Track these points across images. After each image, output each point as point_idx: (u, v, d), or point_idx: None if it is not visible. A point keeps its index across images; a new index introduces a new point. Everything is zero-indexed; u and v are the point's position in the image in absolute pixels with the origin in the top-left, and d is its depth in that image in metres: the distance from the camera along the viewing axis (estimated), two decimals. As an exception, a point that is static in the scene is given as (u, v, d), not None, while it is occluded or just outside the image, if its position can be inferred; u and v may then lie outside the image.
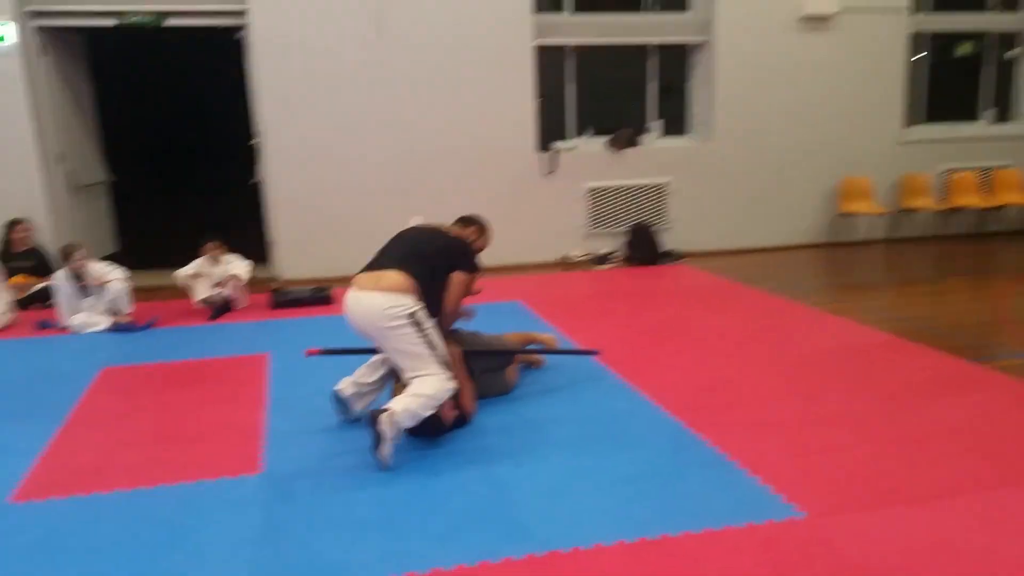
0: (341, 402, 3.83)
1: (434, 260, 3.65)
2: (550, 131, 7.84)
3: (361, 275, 3.61)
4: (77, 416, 4.09)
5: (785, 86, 8.07)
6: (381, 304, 3.43)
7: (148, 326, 5.77)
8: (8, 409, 4.24)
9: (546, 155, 7.71)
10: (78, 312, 5.69)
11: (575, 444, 3.60)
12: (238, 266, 6.14)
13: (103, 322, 5.67)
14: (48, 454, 3.63)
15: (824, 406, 3.98)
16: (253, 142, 7.25)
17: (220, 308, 6.06)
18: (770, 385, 4.31)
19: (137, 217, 8.90)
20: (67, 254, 5.62)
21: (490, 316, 5.71)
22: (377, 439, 3.31)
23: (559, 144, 7.85)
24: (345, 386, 3.83)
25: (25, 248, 6.57)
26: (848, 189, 8.42)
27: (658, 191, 8.04)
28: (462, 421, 3.79)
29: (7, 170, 6.61)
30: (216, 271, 6.13)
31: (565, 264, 7.88)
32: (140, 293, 6.60)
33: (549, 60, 7.76)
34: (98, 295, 5.70)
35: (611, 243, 7.95)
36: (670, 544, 2.74)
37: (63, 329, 5.67)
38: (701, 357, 4.81)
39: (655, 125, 8.20)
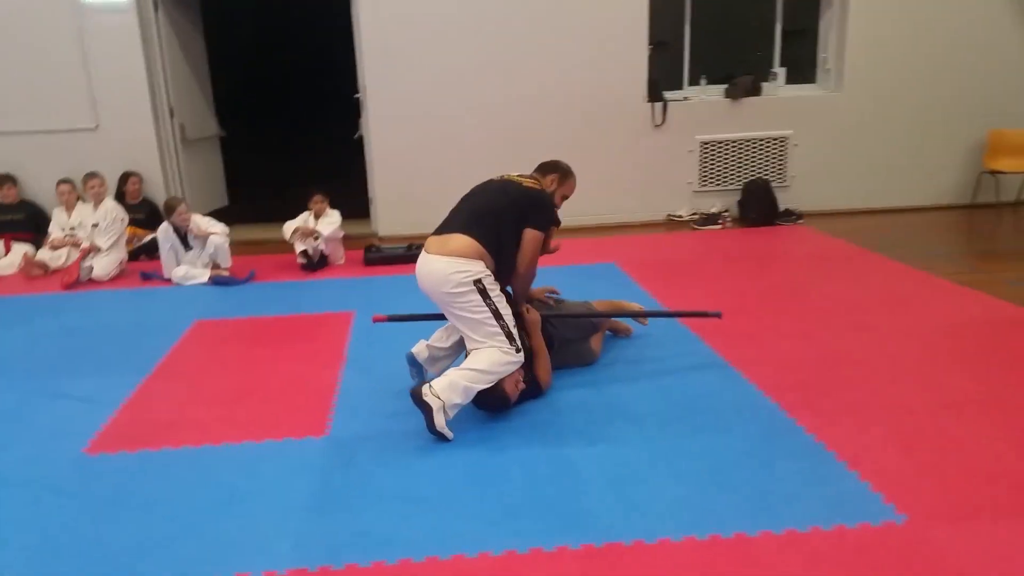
0: (416, 365, 3.70)
1: (505, 216, 3.38)
2: (662, 80, 7.36)
3: (432, 238, 3.43)
4: (162, 368, 4.16)
5: (926, 27, 7.23)
6: (445, 270, 3.24)
7: (246, 280, 5.85)
8: (100, 359, 4.36)
9: (656, 106, 7.27)
10: (180, 264, 5.83)
11: (655, 424, 3.33)
12: (325, 223, 6.11)
13: (203, 275, 5.79)
14: (127, 406, 3.69)
15: (945, 392, 3.52)
16: (356, 96, 7.19)
17: (316, 263, 6.08)
18: (886, 366, 3.86)
19: (247, 171, 9.11)
20: (170, 208, 5.74)
21: (580, 278, 5.50)
22: (426, 414, 3.16)
23: (671, 94, 7.37)
24: (420, 349, 3.69)
25: (136, 200, 6.79)
26: (996, 143, 7.50)
27: (778, 145, 7.44)
28: (536, 391, 3.59)
29: (122, 123, 6.83)
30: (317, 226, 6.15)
31: (671, 224, 7.46)
32: (248, 247, 6.75)
33: (664, 1, 7.25)
34: (200, 248, 5.81)
35: (722, 201, 7.46)
36: (744, 545, 2.45)
37: (166, 281, 5.83)
38: (809, 331, 4.37)
39: (778, 72, 7.56)
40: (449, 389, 3.19)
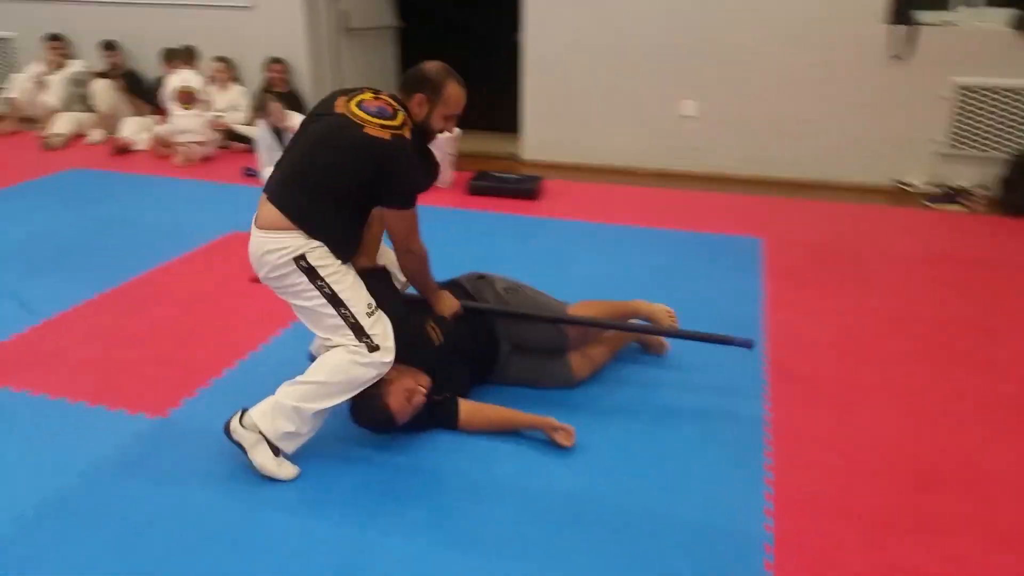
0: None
1: (329, 180, 2.26)
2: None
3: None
4: (133, 285, 3.72)
5: None
6: (257, 250, 2.29)
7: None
8: (88, 258, 4.03)
9: (900, 29, 5.28)
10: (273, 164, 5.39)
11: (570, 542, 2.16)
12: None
13: (290, 179, 5.30)
14: (42, 325, 3.29)
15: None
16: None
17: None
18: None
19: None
20: (263, 106, 5.29)
21: (664, 253, 4.22)
22: (243, 450, 2.32)
23: (927, 14, 5.30)
24: (315, 345, 2.78)
25: (281, 90, 6.45)
26: None
27: (1088, 103, 5.11)
28: (436, 418, 2.57)
29: (275, 4, 6.45)
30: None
31: (896, 194, 5.52)
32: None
33: None
34: (293, 149, 5.31)
35: (976, 174, 5.35)
36: None
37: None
38: (989, 420, 2.74)
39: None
40: (271, 415, 2.30)
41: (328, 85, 6.74)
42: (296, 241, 2.23)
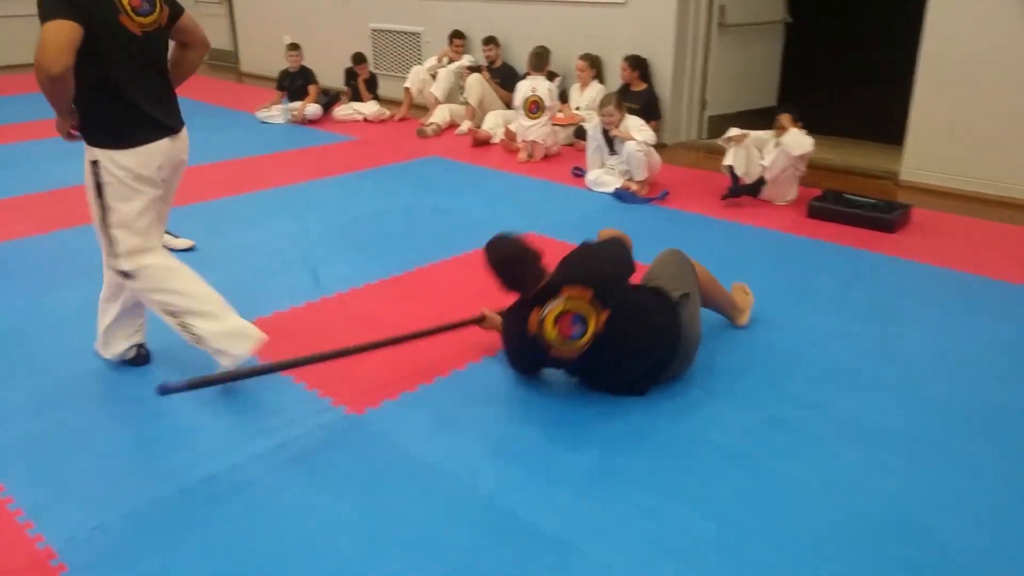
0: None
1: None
2: None
3: None
4: (410, 276, 3.79)
5: None
6: None
7: (653, 199, 4.90)
8: (390, 244, 4.20)
9: None
10: (600, 167, 5.18)
11: None
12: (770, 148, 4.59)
13: (614, 183, 5.03)
14: (329, 300, 3.49)
15: None
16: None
17: (743, 189, 4.71)
18: None
19: (806, 65, 7.49)
20: (601, 104, 5.07)
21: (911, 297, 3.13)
22: None
23: None
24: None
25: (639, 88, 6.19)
26: None
27: None
28: None
29: (644, 3, 6.17)
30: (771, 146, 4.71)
31: None
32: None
33: None
34: (621, 153, 5.04)
35: None
36: None
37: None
38: None
39: None
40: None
41: (691, 85, 6.33)
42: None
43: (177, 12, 2.65)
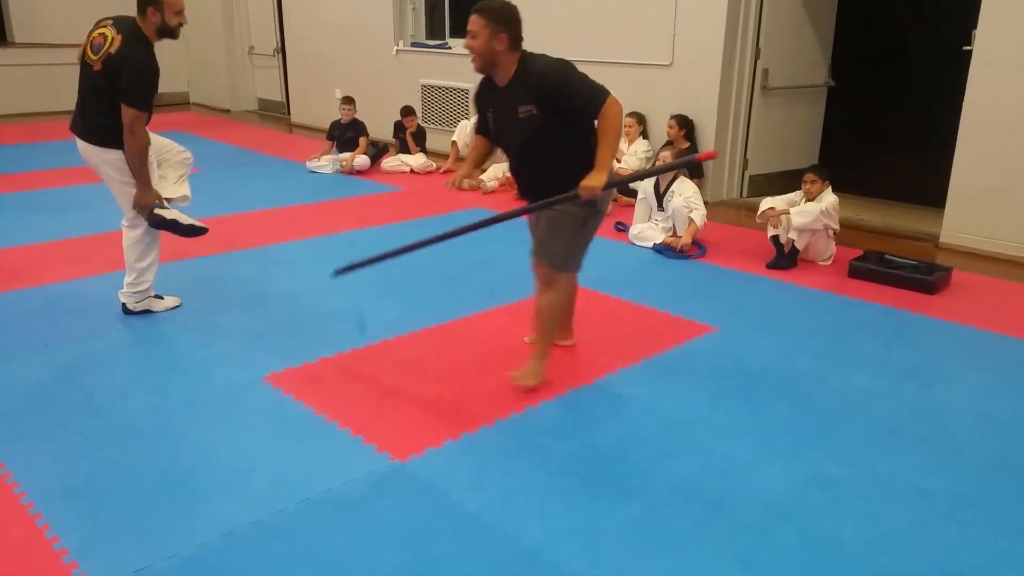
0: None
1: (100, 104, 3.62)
2: None
3: None
4: (461, 323, 3.86)
5: None
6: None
7: (693, 256, 4.93)
8: (437, 291, 4.27)
9: None
10: (646, 221, 5.25)
11: None
12: (800, 210, 4.62)
13: (655, 238, 5.09)
14: (374, 347, 3.55)
15: None
16: (967, 48, 5.06)
17: (782, 263, 4.72)
18: None
19: (846, 125, 7.57)
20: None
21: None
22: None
23: None
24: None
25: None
26: None
27: None
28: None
29: (693, 62, 6.28)
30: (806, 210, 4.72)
31: None
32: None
33: None
34: (667, 209, 5.10)
35: None
36: None
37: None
38: None
39: None
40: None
41: (734, 145, 6.41)
42: None
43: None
